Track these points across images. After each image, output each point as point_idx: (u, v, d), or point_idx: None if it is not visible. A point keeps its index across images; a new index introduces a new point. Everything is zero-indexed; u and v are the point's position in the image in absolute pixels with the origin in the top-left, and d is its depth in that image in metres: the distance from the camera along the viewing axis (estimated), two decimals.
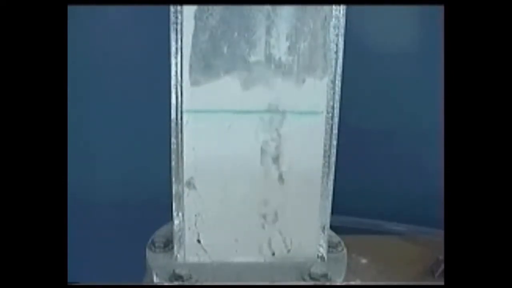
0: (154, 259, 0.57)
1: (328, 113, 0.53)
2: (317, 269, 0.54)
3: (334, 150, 0.54)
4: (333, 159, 0.54)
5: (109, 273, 0.80)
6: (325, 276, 0.54)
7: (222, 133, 0.53)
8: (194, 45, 0.51)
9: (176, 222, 0.56)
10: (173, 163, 0.54)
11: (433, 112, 0.64)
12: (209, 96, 0.52)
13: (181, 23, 0.50)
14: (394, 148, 0.83)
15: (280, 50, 0.51)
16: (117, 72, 0.81)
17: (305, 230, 0.56)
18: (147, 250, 0.58)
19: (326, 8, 0.51)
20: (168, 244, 0.58)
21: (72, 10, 0.55)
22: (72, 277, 0.58)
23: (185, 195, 0.55)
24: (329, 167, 0.55)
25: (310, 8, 0.51)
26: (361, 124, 0.79)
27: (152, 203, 0.71)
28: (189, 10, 0.50)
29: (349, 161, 0.61)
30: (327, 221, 0.56)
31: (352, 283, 0.68)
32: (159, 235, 0.60)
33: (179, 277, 0.53)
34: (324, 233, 0.57)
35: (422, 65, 0.79)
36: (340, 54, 0.52)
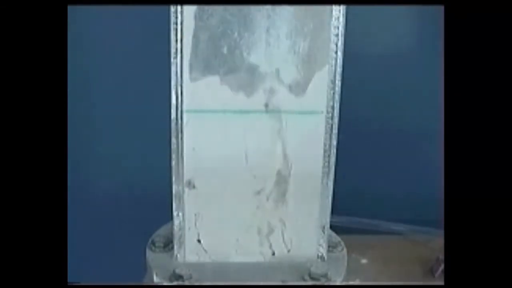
0: (154, 259, 0.57)
1: (328, 113, 0.53)
2: (317, 269, 0.54)
3: (334, 150, 0.54)
4: (333, 159, 0.54)
5: (109, 273, 0.80)
6: (325, 276, 0.54)
7: (222, 133, 0.53)
8: (194, 45, 0.51)
9: (176, 222, 0.56)
10: (173, 163, 0.54)
11: (433, 112, 0.64)
12: (209, 96, 0.52)
13: (181, 23, 0.50)
14: (394, 148, 0.83)
15: (280, 50, 0.51)
16: (117, 72, 0.81)
17: (305, 230, 0.56)
18: (147, 250, 0.58)
19: (326, 8, 0.51)
20: (168, 244, 0.58)
21: (72, 10, 0.55)
22: (72, 277, 0.58)
23: (185, 195, 0.55)
24: (329, 167, 0.55)
25: (310, 8, 0.51)
26: (361, 124, 0.78)
27: (152, 203, 0.71)
28: (189, 10, 0.50)
29: (349, 161, 0.61)
30: (327, 221, 0.56)
31: (352, 283, 0.68)
32: (159, 235, 0.60)
33: (179, 277, 0.53)
34: (324, 233, 0.57)
35: (422, 65, 0.79)
36: (340, 54, 0.52)
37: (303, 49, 0.51)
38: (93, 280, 0.79)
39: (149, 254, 0.58)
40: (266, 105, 0.53)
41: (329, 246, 0.58)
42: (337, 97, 0.53)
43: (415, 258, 0.75)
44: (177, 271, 0.54)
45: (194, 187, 0.55)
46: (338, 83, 0.53)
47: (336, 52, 0.52)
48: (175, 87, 0.52)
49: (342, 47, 0.52)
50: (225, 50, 0.51)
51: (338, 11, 0.51)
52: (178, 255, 0.56)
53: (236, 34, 0.51)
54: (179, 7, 0.50)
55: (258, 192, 0.55)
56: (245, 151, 0.54)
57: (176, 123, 0.53)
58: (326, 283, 0.54)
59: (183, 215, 0.55)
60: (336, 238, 0.60)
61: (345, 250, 0.59)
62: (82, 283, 0.79)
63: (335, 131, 0.54)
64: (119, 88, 0.82)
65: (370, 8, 0.72)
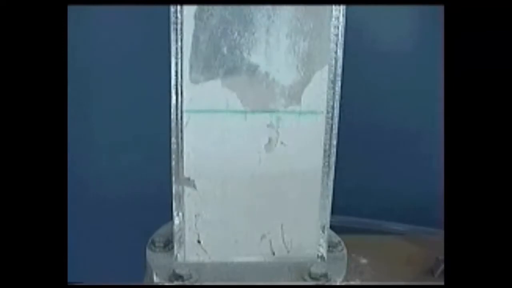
0: (154, 259, 0.57)
1: (328, 113, 0.53)
2: (317, 269, 0.54)
3: (334, 150, 0.54)
4: (333, 159, 0.54)
5: (109, 273, 0.80)
6: (325, 276, 0.54)
7: (222, 133, 0.53)
8: (194, 45, 0.51)
9: (176, 222, 0.56)
10: (173, 163, 0.54)
11: (433, 112, 0.64)
12: (209, 96, 0.52)
13: (181, 23, 0.50)
14: (394, 148, 0.83)
15: (280, 50, 0.51)
16: (118, 72, 0.81)
17: (305, 230, 0.56)
18: (147, 249, 0.58)
19: (326, 8, 0.51)
20: (168, 244, 0.58)
21: (72, 10, 0.55)
22: (72, 277, 0.58)
23: (185, 195, 0.55)
24: (329, 167, 0.55)
25: (310, 8, 0.51)
26: (361, 124, 0.78)
27: (152, 203, 0.71)
28: (189, 10, 0.50)
29: (349, 161, 0.61)
30: (327, 221, 0.56)
31: (352, 283, 0.68)
32: (159, 234, 0.60)
33: (179, 277, 0.54)
34: (324, 233, 0.57)
35: (422, 64, 0.79)
36: (340, 54, 0.52)
37: (303, 49, 0.51)
38: (93, 280, 0.79)
39: (149, 254, 0.58)
40: (266, 105, 0.53)
41: (329, 246, 0.58)
42: (337, 97, 0.53)
43: (415, 258, 0.75)
44: (177, 271, 0.54)
45: (194, 187, 0.55)
46: (338, 83, 0.53)
47: (336, 52, 0.52)
48: (175, 87, 0.52)
49: (342, 47, 0.52)
50: (225, 50, 0.51)
51: (338, 11, 0.51)
52: (178, 255, 0.56)
53: (236, 34, 0.51)
54: (179, 7, 0.50)
55: (258, 192, 0.55)
56: (244, 151, 0.54)
57: (176, 123, 0.53)
58: (326, 283, 0.54)
59: (183, 215, 0.55)
60: (336, 238, 0.60)
61: (345, 250, 0.59)
62: (82, 283, 0.79)
63: (335, 131, 0.54)
64: (119, 88, 0.82)
65: (370, 8, 0.72)
